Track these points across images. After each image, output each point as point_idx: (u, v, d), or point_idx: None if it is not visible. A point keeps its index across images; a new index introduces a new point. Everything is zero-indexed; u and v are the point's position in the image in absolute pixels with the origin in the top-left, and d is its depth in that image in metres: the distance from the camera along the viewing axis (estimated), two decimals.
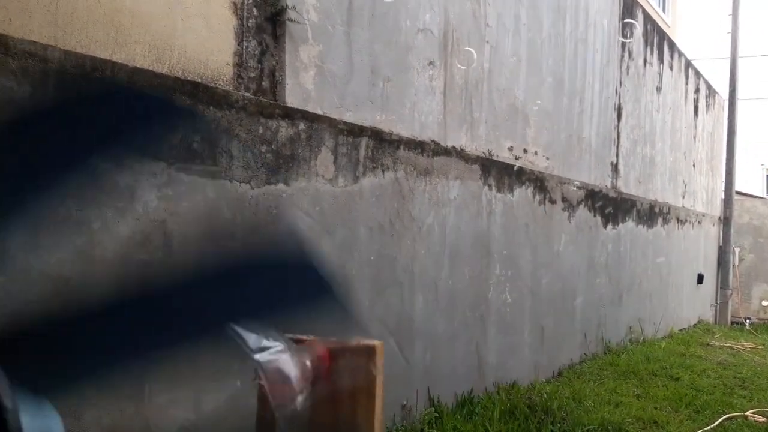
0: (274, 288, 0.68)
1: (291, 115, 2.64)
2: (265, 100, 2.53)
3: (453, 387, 3.63)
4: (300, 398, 0.74)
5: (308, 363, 0.76)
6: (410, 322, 3.32)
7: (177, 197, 2.15)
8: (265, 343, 0.71)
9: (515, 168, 4.32)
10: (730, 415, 4.04)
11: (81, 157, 0.67)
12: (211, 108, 2.31)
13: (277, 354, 0.72)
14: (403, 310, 3.28)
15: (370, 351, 0.82)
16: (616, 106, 6.10)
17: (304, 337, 0.80)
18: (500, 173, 4.15)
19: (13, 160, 0.65)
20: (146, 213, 2.06)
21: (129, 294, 0.66)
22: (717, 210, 9.83)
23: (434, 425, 3.22)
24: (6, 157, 0.65)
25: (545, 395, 3.96)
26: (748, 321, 9.36)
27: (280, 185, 2.56)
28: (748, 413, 4.11)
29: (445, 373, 3.58)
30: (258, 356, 0.70)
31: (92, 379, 0.64)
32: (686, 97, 8.30)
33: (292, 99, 2.66)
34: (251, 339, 0.69)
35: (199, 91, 2.27)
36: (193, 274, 0.66)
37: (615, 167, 6.11)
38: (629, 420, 3.75)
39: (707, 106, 9.27)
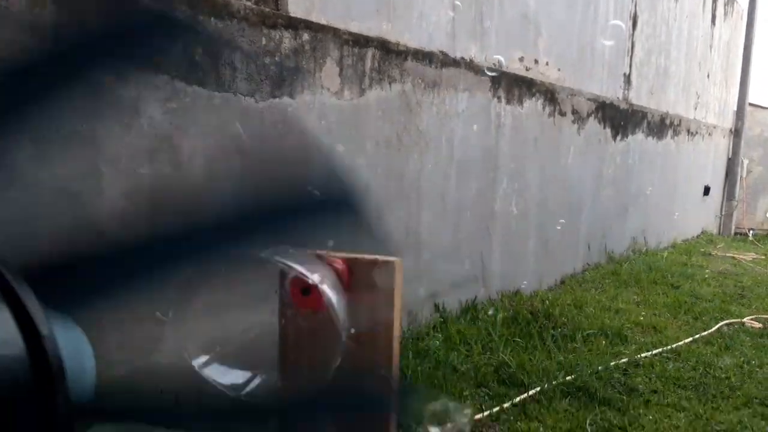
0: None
1: (294, 25, 2.57)
2: (268, 9, 2.47)
3: (458, 295, 3.76)
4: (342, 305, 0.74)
5: (333, 274, 0.76)
6: (417, 234, 3.39)
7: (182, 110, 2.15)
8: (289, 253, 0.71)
9: (526, 79, 4.23)
10: (727, 321, 4.17)
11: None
12: (212, 19, 2.25)
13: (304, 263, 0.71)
14: (410, 222, 3.33)
15: (389, 267, 0.80)
16: (632, 15, 5.87)
17: (321, 252, 0.79)
18: (510, 85, 4.07)
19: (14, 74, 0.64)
20: (152, 128, 2.07)
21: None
22: (728, 122, 9.66)
23: (439, 329, 3.36)
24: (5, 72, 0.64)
25: (547, 302, 4.10)
26: (751, 232, 9.44)
27: (285, 98, 2.54)
28: (745, 319, 4.24)
29: (451, 282, 3.69)
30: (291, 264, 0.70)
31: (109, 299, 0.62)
32: (704, 4, 7.95)
33: (295, 8, 2.58)
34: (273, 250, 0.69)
35: (200, 1, 2.21)
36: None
37: (628, 78, 5.97)
38: (629, 325, 3.89)
39: (725, 14, 8.89)
